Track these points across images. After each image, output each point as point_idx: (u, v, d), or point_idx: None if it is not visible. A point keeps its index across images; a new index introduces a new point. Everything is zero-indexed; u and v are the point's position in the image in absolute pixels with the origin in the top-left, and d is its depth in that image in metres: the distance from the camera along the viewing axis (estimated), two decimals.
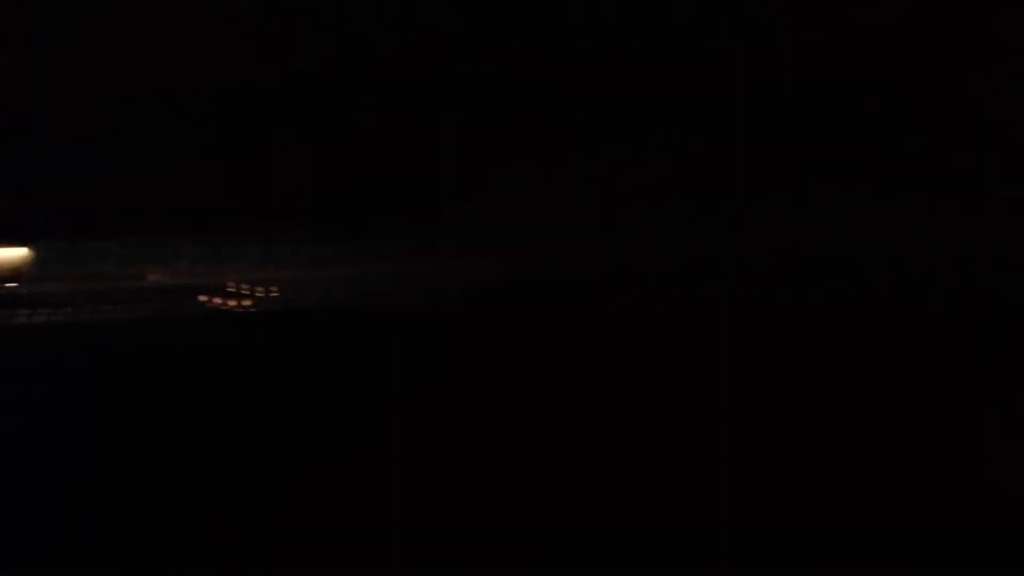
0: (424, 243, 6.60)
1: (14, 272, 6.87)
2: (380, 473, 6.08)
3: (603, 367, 6.39)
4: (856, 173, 6.50)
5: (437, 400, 6.29)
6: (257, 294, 6.97)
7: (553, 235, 6.61)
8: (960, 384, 6.23)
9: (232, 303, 6.98)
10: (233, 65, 6.56)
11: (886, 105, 6.50)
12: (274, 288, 6.94)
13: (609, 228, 6.58)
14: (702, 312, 6.44)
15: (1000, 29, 6.51)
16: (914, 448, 6.16)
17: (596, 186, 6.62)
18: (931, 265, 6.37)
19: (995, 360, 6.28)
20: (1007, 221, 6.41)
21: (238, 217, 6.56)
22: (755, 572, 5.94)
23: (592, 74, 6.57)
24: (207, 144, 6.64)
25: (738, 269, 6.48)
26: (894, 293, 6.43)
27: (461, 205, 6.69)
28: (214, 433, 6.33)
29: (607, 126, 6.59)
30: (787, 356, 6.34)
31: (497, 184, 6.69)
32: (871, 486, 6.07)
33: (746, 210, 6.49)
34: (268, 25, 6.74)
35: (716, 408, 6.27)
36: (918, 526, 5.98)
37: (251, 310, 6.96)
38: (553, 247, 6.57)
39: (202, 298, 7.02)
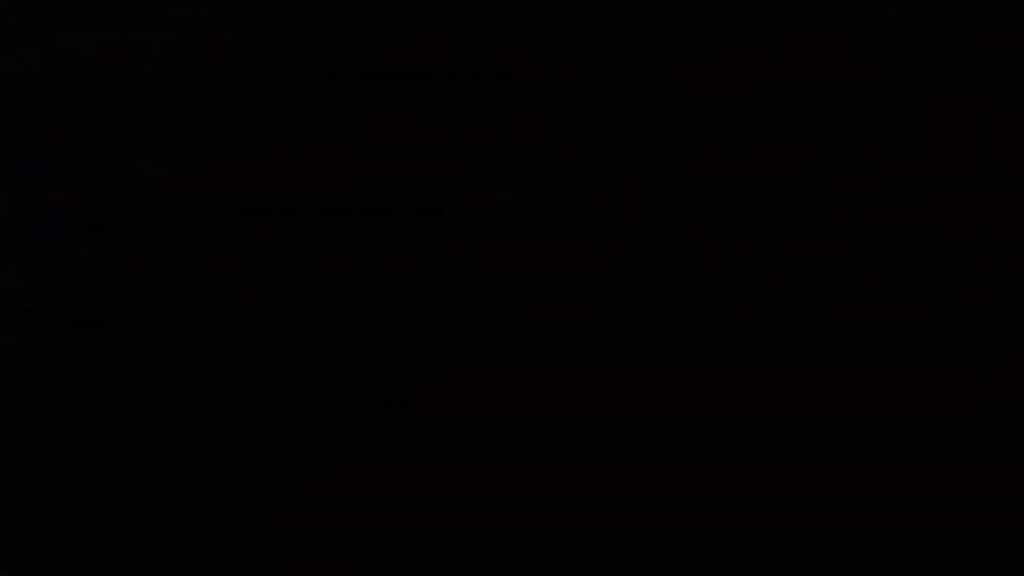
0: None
1: None
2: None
3: (599, 367, 6.40)
4: (856, 173, 6.51)
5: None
6: None
7: (551, 234, 6.61)
8: (960, 384, 6.25)
9: None
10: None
11: (886, 105, 6.51)
12: None
13: (608, 228, 6.59)
14: (702, 312, 6.45)
15: (1000, 29, 6.52)
16: (914, 448, 6.17)
17: (596, 186, 6.63)
18: (931, 264, 6.38)
19: (995, 360, 6.29)
20: (1007, 221, 6.42)
21: None
22: (755, 572, 5.95)
23: (592, 74, 6.58)
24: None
25: (738, 268, 6.49)
26: (894, 292, 6.44)
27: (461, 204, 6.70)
28: None
29: (607, 126, 6.59)
30: (787, 356, 6.35)
31: (496, 183, 6.70)
32: (871, 486, 6.09)
33: (746, 210, 6.50)
34: (268, 25, 6.74)
35: (716, 408, 6.28)
36: (918, 526, 5.99)
37: None
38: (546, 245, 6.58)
39: None
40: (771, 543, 5.96)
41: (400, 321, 6.43)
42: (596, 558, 5.93)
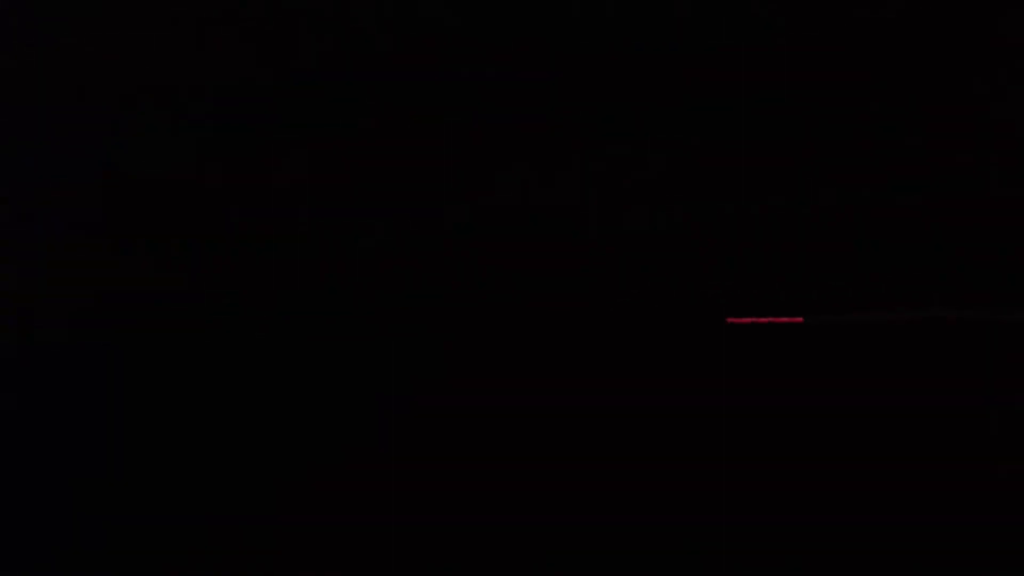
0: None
1: None
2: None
3: (599, 367, 6.40)
4: (856, 173, 6.51)
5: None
6: None
7: (551, 234, 6.61)
8: (960, 384, 6.24)
9: None
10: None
11: (886, 105, 6.51)
12: None
13: (608, 228, 6.59)
14: (702, 311, 6.45)
15: (1000, 29, 6.52)
16: (913, 448, 6.17)
17: (596, 186, 6.63)
18: (931, 264, 6.38)
19: (995, 360, 6.29)
20: (1007, 221, 6.42)
21: None
22: (755, 572, 5.95)
23: (592, 74, 6.58)
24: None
25: (738, 267, 6.48)
26: (893, 293, 6.43)
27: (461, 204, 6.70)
28: None
29: (607, 126, 6.59)
30: (787, 356, 6.35)
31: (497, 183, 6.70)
32: (871, 486, 6.08)
33: (746, 210, 6.50)
34: (268, 25, 6.74)
35: (716, 407, 6.28)
36: (918, 526, 5.99)
37: None
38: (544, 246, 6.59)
39: None
40: (771, 543, 5.95)
41: (400, 321, 6.43)
42: (596, 558, 5.92)
